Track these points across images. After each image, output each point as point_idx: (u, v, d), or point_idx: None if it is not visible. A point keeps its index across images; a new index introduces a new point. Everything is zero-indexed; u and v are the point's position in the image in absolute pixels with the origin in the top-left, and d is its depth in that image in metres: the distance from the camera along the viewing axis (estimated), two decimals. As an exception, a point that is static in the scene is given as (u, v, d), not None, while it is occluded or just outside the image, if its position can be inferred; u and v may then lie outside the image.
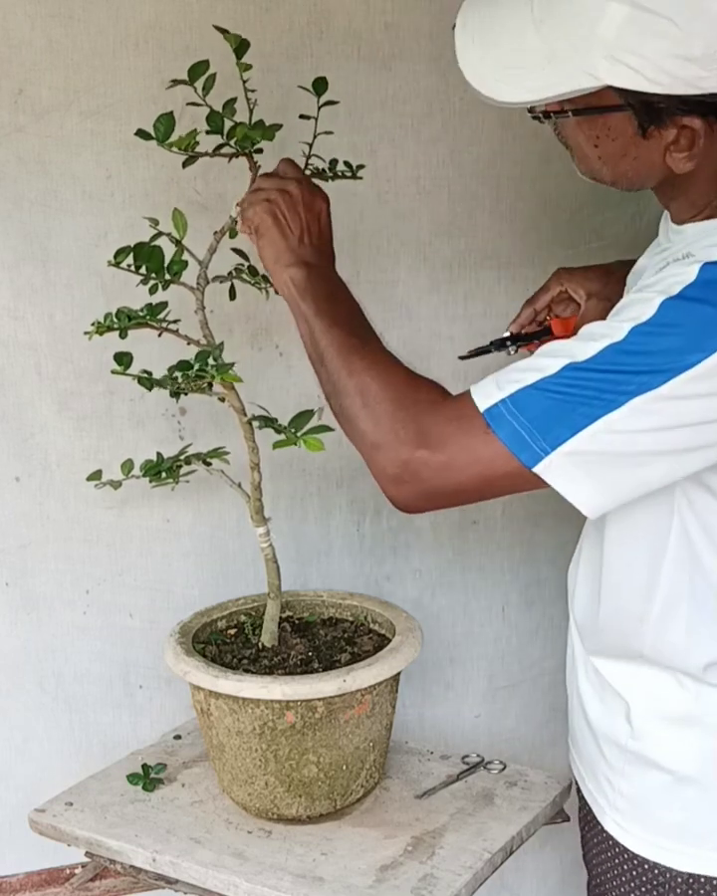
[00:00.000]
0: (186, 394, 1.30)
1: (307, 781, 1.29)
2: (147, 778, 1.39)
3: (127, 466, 1.35)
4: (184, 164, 1.24)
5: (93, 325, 1.21)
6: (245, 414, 1.32)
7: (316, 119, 1.28)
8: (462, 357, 1.37)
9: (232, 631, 1.43)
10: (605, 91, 0.97)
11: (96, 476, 1.38)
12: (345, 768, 1.31)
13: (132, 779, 1.39)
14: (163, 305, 1.25)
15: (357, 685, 1.26)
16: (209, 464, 1.37)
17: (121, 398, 1.51)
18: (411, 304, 1.56)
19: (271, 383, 1.53)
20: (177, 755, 1.46)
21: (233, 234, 1.30)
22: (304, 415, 1.21)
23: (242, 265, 1.34)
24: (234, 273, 1.34)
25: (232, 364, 1.20)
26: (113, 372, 1.24)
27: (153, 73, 1.42)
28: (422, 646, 1.35)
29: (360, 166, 1.33)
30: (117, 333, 1.25)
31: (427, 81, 1.48)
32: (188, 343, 1.26)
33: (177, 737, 1.51)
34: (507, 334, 1.37)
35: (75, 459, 1.51)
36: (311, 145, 1.30)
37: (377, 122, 1.49)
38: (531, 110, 1.04)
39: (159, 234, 1.25)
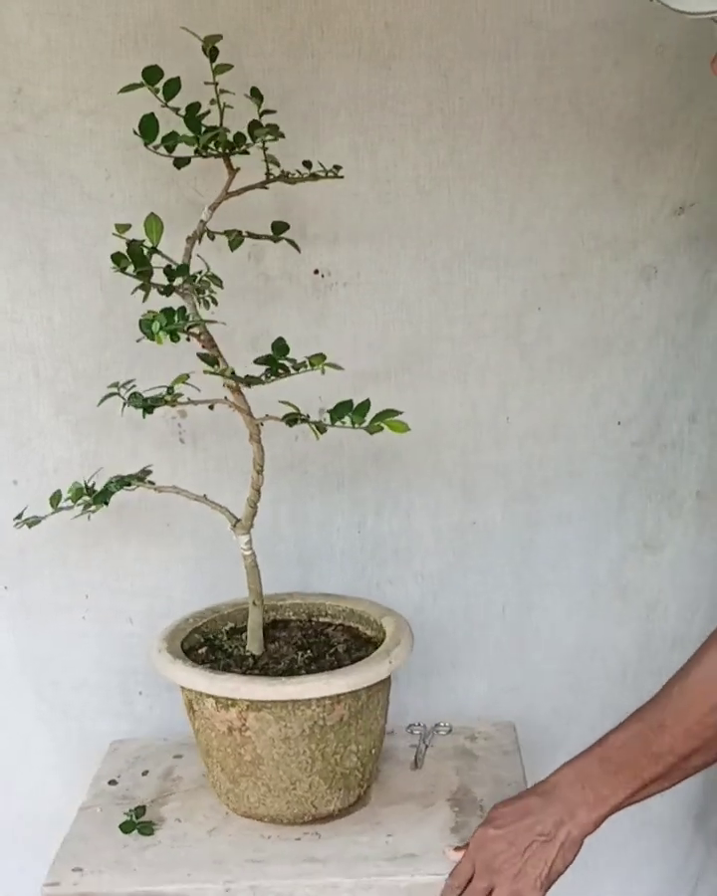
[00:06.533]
0: (156, 407, 1.27)
1: (347, 772, 1.30)
2: (139, 822, 1.33)
3: (56, 498, 1.31)
4: (177, 165, 1.24)
5: (153, 330, 1.17)
6: (252, 415, 1.31)
7: (263, 126, 1.26)
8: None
9: (203, 650, 1.39)
10: None
11: (18, 517, 1.33)
12: (373, 751, 1.33)
13: (126, 827, 1.33)
14: (183, 308, 1.23)
15: (398, 664, 1.29)
16: (154, 483, 1.33)
17: (121, 401, 1.49)
18: (411, 304, 1.55)
19: (273, 385, 1.52)
20: (135, 797, 1.40)
21: (201, 238, 1.28)
22: (345, 405, 1.21)
23: (200, 272, 1.28)
24: (191, 279, 1.27)
25: (324, 356, 1.21)
26: (205, 372, 1.23)
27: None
28: (418, 645, 1.38)
29: (337, 167, 1.32)
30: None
31: (427, 80, 1.48)
32: (202, 346, 1.24)
33: (112, 782, 1.44)
34: None
35: (73, 463, 1.49)
36: (264, 149, 1.27)
37: (377, 122, 1.48)
38: None
39: (133, 241, 1.21)
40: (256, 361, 1.24)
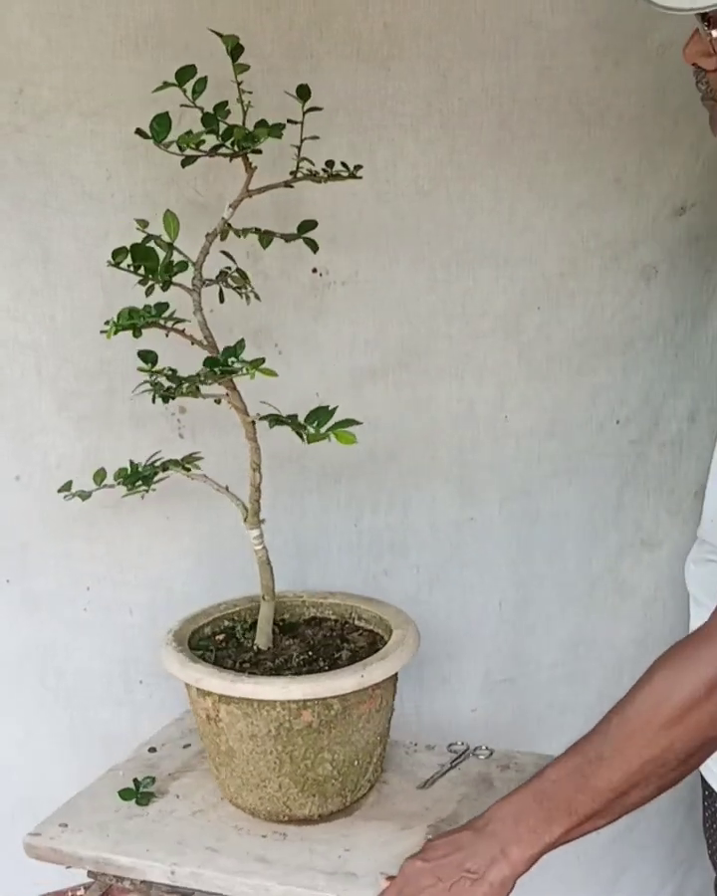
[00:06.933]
0: (173, 398, 1.30)
1: (321, 779, 1.30)
2: (139, 792, 1.36)
3: (100, 475, 1.33)
4: (183, 164, 1.25)
5: (108, 324, 1.20)
6: (247, 413, 1.32)
7: (302, 124, 1.27)
8: None
9: (220, 637, 1.42)
10: None
11: (66, 487, 1.35)
12: (356, 763, 1.32)
13: (125, 794, 1.35)
14: (166, 305, 1.25)
15: (372, 680, 1.27)
16: (189, 470, 1.35)
17: (122, 398, 1.51)
18: (410, 303, 1.57)
19: (271, 382, 1.53)
20: (159, 767, 1.43)
21: (223, 236, 1.30)
22: (321, 410, 1.21)
23: (228, 268, 1.33)
24: (221, 277, 1.32)
25: (263, 360, 1.20)
26: (140, 370, 1.24)
27: (154, 73, 1.40)
28: (420, 640, 1.36)
29: (358, 167, 1.32)
30: (121, 332, 1.24)
31: (426, 81, 1.48)
32: (192, 344, 1.26)
33: (152, 750, 1.47)
34: None
35: (75, 458, 1.51)
36: (299, 149, 1.28)
37: (376, 123, 1.49)
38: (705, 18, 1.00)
39: (150, 237, 1.24)
40: (204, 363, 1.25)
